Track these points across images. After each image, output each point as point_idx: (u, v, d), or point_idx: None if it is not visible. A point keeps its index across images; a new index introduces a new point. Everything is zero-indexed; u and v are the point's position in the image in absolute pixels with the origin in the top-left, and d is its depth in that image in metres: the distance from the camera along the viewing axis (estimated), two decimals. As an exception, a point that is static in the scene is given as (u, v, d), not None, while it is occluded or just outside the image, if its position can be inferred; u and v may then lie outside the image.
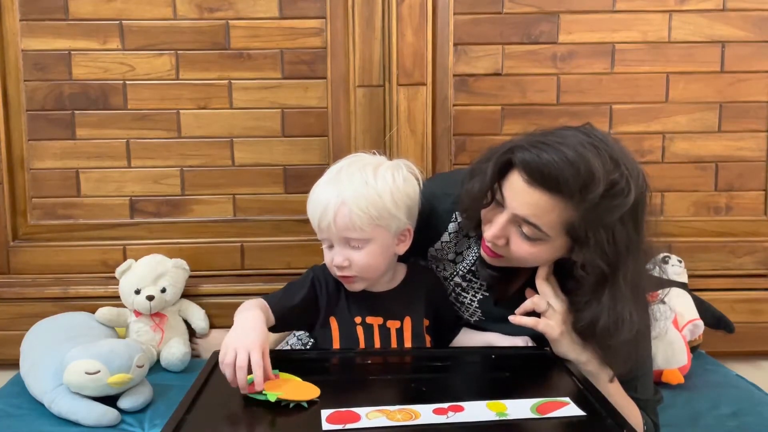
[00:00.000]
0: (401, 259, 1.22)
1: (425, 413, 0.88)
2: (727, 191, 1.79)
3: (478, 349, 1.21)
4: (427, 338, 1.21)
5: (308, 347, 1.40)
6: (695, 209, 1.80)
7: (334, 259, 1.13)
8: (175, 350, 1.62)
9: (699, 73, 1.75)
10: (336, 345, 1.17)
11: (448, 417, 0.87)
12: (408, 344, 1.18)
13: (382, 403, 0.90)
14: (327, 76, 1.74)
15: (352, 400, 0.92)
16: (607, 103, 1.75)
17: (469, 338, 1.25)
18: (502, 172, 1.06)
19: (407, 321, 1.18)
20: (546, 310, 1.11)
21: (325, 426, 0.84)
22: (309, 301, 1.18)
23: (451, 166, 1.76)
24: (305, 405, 0.91)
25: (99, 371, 1.35)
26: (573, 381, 1.03)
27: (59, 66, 1.73)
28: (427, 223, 1.21)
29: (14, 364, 1.57)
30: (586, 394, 0.97)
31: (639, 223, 1.04)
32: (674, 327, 1.58)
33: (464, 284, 1.24)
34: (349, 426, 0.85)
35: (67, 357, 1.38)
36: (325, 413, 0.87)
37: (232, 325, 1.19)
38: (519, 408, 0.90)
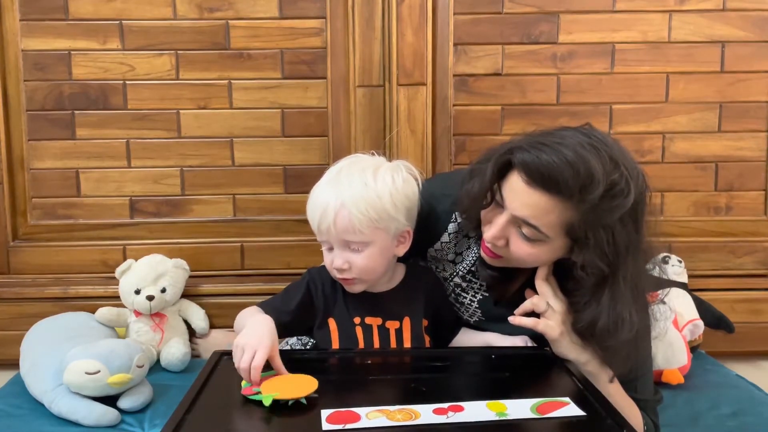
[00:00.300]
0: (400, 259, 1.22)
1: (425, 413, 0.88)
2: (727, 191, 1.79)
3: (478, 349, 1.21)
4: (427, 338, 1.21)
5: (308, 347, 1.40)
6: (695, 209, 1.80)
7: (334, 261, 1.13)
8: (175, 350, 1.62)
9: (699, 73, 1.75)
10: (335, 346, 1.17)
11: (448, 417, 0.87)
12: (407, 344, 1.18)
13: (382, 403, 0.90)
14: (327, 76, 1.74)
15: (352, 400, 0.92)
16: (607, 103, 1.75)
17: (468, 338, 1.26)
18: (501, 172, 1.06)
19: (406, 321, 1.18)
20: (545, 311, 1.11)
21: (325, 426, 0.84)
22: (305, 305, 1.18)
23: (451, 166, 1.76)
24: (304, 402, 0.91)
25: (99, 371, 1.35)
26: (573, 381, 1.03)
27: (59, 66, 1.73)
28: (427, 223, 1.21)
29: (14, 364, 1.57)
30: (586, 394, 0.97)
31: (639, 223, 1.04)
32: (674, 327, 1.58)
33: (464, 284, 1.24)
34: (349, 426, 0.85)
35: (67, 357, 1.38)
36: (325, 413, 0.87)
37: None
38: (519, 408, 0.90)
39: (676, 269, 1.70)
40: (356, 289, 1.16)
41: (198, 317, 1.73)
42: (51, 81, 1.73)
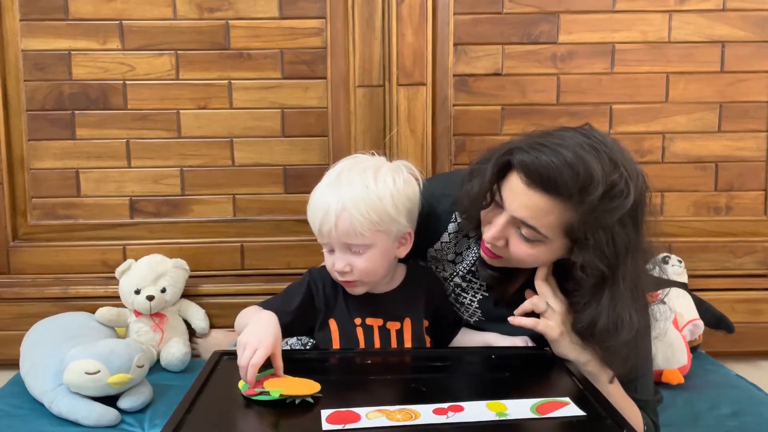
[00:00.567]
0: (401, 259, 1.22)
1: (425, 413, 0.88)
2: (727, 191, 1.79)
3: (478, 349, 1.21)
4: (427, 339, 1.21)
5: (308, 347, 1.40)
6: (695, 209, 1.80)
7: (336, 264, 1.12)
8: (175, 350, 1.62)
9: (699, 73, 1.75)
10: (336, 346, 1.17)
11: (448, 417, 0.87)
12: (408, 345, 1.18)
13: (382, 403, 0.90)
14: (327, 76, 1.74)
15: (352, 400, 0.92)
16: (607, 103, 1.75)
17: (468, 338, 1.25)
18: (501, 173, 1.06)
19: (407, 322, 1.18)
20: (545, 311, 1.11)
21: (325, 426, 0.84)
22: (306, 305, 1.18)
23: (451, 166, 1.76)
24: (311, 400, 0.91)
25: (99, 371, 1.35)
26: (573, 381, 1.03)
27: (59, 66, 1.73)
28: (427, 223, 1.21)
29: (14, 364, 1.57)
30: (586, 394, 0.97)
31: (638, 224, 1.04)
32: (674, 327, 1.58)
33: (464, 284, 1.24)
34: (349, 426, 0.85)
35: (67, 357, 1.38)
36: (325, 413, 0.87)
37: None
38: (519, 408, 0.90)
39: (676, 269, 1.70)
40: (358, 291, 1.16)
41: (198, 317, 1.73)
42: (51, 81, 1.73)
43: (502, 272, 1.17)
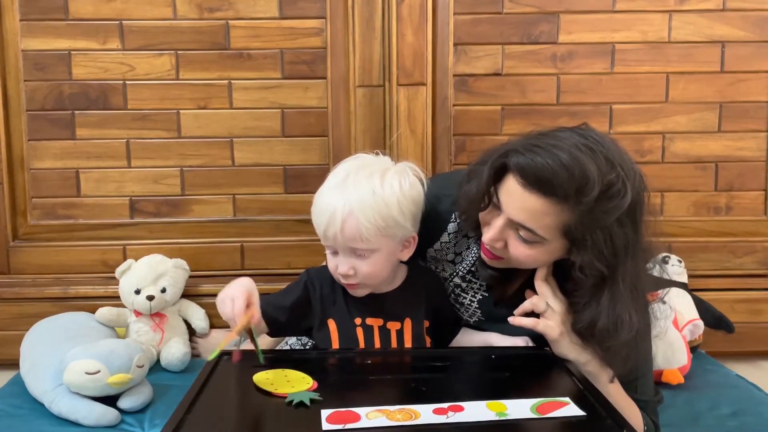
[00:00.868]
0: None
1: (425, 413, 0.88)
2: (727, 191, 1.79)
3: (478, 349, 1.21)
4: (427, 339, 1.21)
5: (308, 347, 1.40)
6: (695, 209, 1.80)
7: (339, 267, 1.12)
8: (175, 350, 1.62)
9: (699, 73, 1.75)
10: (335, 346, 1.17)
11: (448, 417, 0.87)
12: (408, 345, 1.18)
13: (382, 403, 0.90)
14: (327, 76, 1.74)
15: (352, 400, 0.92)
16: (607, 103, 1.75)
17: (469, 338, 1.25)
18: (497, 175, 1.06)
19: (407, 322, 1.18)
20: (545, 311, 1.11)
21: (325, 426, 0.84)
22: (301, 304, 1.18)
23: (451, 166, 1.76)
24: (307, 403, 0.91)
25: (99, 371, 1.35)
26: (573, 381, 1.03)
27: (59, 66, 1.73)
28: (427, 223, 1.21)
29: (14, 364, 1.57)
30: (586, 394, 0.97)
31: (637, 223, 1.04)
32: (674, 327, 1.58)
33: (464, 285, 1.24)
34: (349, 426, 0.84)
35: (67, 357, 1.38)
36: (325, 413, 0.87)
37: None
38: (519, 408, 0.90)
39: (676, 269, 1.70)
40: (360, 293, 1.16)
41: (198, 317, 1.73)
42: (51, 81, 1.73)
43: (502, 272, 1.17)
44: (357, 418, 0.86)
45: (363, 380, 1.05)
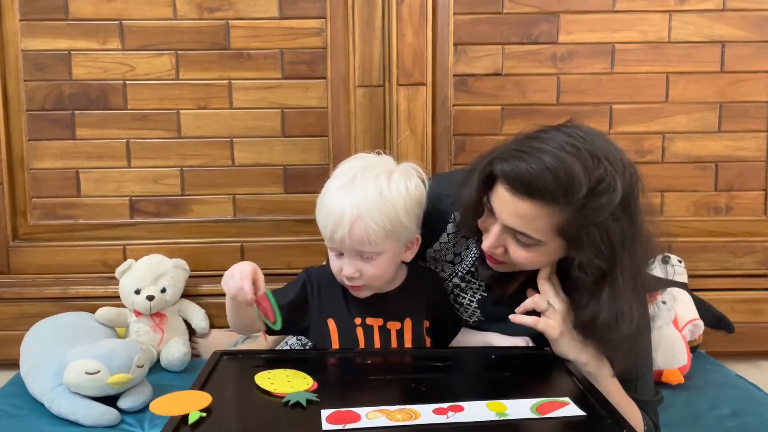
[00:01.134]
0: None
1: (425, 413, 0.88)
2: (727, 191, 1.79)
3: (478, 349, 1.21)
4: (427, 339, 1.21)
5: (308, 347, 1.40)
6: (695, 209, 1.80)
7: (345, 269, 1.11)
8: (175, 350, 1.62)
9: (699, 73, 1.75)
10: (335, 346, 1.17)
11: (448, 417, 0.87)
12: (408, 346, 1.18)
13: (382, 403, 0.90)
14: (327, 76, 1.74)
15: (352, 400, 0.92)
16: (607, 103, 1.75)
17: (469, 338, 1.25)
18: (487, 183, 1.06)
19: (407, 322, 1.18)
20: (546, 310, 1.11)
21: (325, 426, 0.84)
22: (299, 303, 1.17)
23: (451, 166, 1.76)
24: (303, 404, 0.91)
25: (99, 371, 1.35)
26: (573, 381, 1.03)
27: (59, 66, 1.73)
28: (427, 224, 1.21)
29: (14, 364, 1.57)
30: (586, 394, 0.97)
31: (632, 216, 1.03)
32: (674, 327, 1.58)
33: (463, 285, 1.24)
34: (349, 426, 0.84)
35: (67, 357, 1.38)
36: (325, 413, 0.87)
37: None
38: (519, 408, 0.90)
39: (676, 269, 1.70)
40: (363, 294, 1.16)
41: (198, 317, 1.73)
42: (51, 81, 1.73)
43: (502, 272, 1.17)
44: (357, 418, 0.86)
45: (363, 380, 1.05)
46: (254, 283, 1.03)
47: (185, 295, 1.74)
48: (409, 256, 1.18)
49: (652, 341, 1.21)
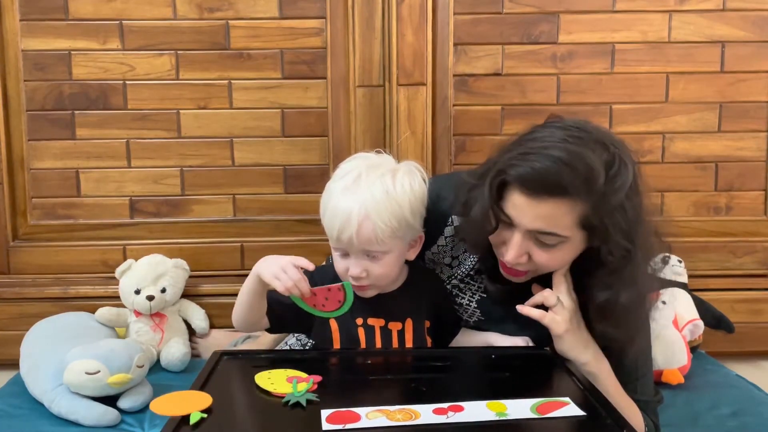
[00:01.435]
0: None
1: (425, 413, 0.88)
2: (727, 191, 1.79)
3: (478, 349, 1.21)
4: (428, 340, 1.21)
5: (308, 347, 1.40)
6: (695, 209, 1.80)
7: (351, 270, 1.11)
8: (175, 350, 1.62)
9: (699, 73, 1.75)
10: (336, 346, 1.17)
11: (448, 417, 0.87)
12: (409, 346, 1.17)
13: (382, 403, 0.90)
14: (327, 76, 1.74)
15: (352, 400, 0.92)
16: (607, 103, 1.75)
17: (468, 338, 1.25)
18: (498, 194, 1.05)
19: (408, 323, 1.18)
20: (555, 305, 1.10)
21: (325, 426, 0.84)
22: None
23: (451, 166, 1.76)
24: (303, 404, 0.91)
25: (99, 371, 1.35)
26: (573, 381, 1.03)
27: (59, 66, 1.73)
28: (426, 225, 1.21)
29: (14, 364, 1.57)
30: (586, 394, 0.97)
31: (639, 190, 1.04)
32: (674, 327, 1.58)
33: (462, 285, 1.24)
34: (349, 426, 0.84)
35: (67, 357, 1.38)
36: (325, 413, 0.87)
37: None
38: (519, 408, 0.90)
39: (676, 269, 1.70)
40: (369, 294, 1.15)
41: (198, 317, 1.73)
42: (51, 81, 1.73)
43: (513, 286, 1.16)
44: (357, 418, 0.86)
45: (363, 380, 1.05)
46: None
47: (185, 295, 1.74)
48: (412, 255, 1.18)
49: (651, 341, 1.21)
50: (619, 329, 1.09)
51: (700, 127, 1.77)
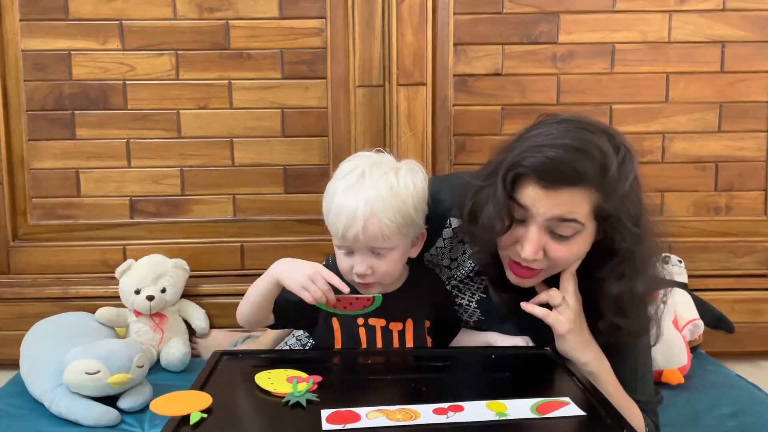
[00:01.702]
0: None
1: (425, 413, 0.88)
2: (727, 191, 1.79)
3: (478, 349, 1.21)
4: (428, 340, 1.21)
5: (308, 347, 1.40)
6: (695, 209, 1.80)
7: (356, 267, 1.10)
8: (175, 350, 1.62)
9: (699, 73, 1.75)
10: (338, 346, 1.17)
11: (448, 417, 0.87)
12: (409, 346, 1.17)
13: (382, 403, 0.90)
14: (327, 76, 1.74)
15: (352, 400, 0.92)
16: (607, 103, 1.76)
17: (468, 338, 1.25)
18: (512, 189, 1.03)
19: (409, 323, 1.18)
20: (560, 305, 1.10)
21: (325, 426, 0.84)
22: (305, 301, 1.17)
23: (451, 166, 1.76)
24: (303, 404, 0.91)
25: (99, 371, 1.35)
26: (573, 381, 1.03)
27: (59, 66, 1.73)
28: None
29: (14, 364, 1.57)
30: (586, 394, 0.97)
31: (638, 177, 1.04)
32: (674, 327, 1.58)
33: (461, 286, 1.24)
34: (349, 426, 0.84)
35: (67, 357, 1.38)
36: (325, 413, 0.87)
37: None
38: (519, 408, 0.90)
39: (676, 269, 1.70)
40: (373, 292, 1.15)
41: (198, 317, 1.73)
42: (51, 81, 1.74)
43: (517, 294, 1.16)
44: (357, 418, 0.86)
45: (363, 380, 1.05)
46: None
47: (185, 295, 1.74)
48: (415, 252, 1.18)
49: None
50: (632, 320, 1.09)
51: (700, 127, 1.77)
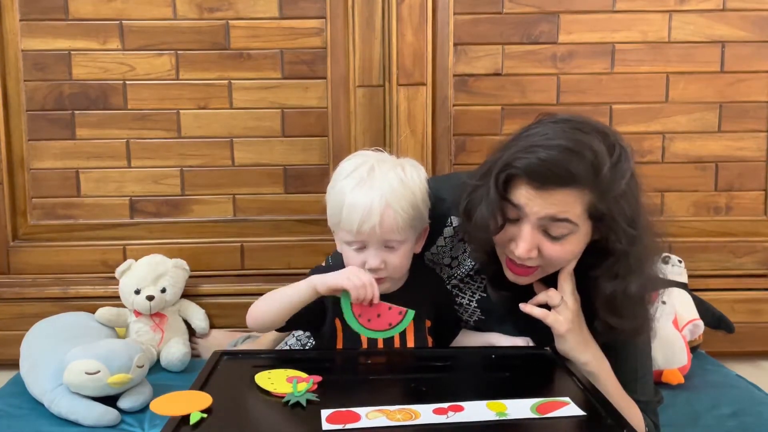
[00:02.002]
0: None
1: (425, 413, 0.88)
2: (727, 191, 1.79)
3: (478, 349, 1.21)
4: (429, 340, 1.21)
5: (308, 347, 1.40)
6: (695, 209, 1.80)
7: (370, 262, 1.10)
8: (175, 350, 1.62)
9: (699, 73, 1.75)
10: (339, 346, 1.17)
11: (448, 417, 0.87)
12: (411, 346, 1.17)
13: (382, 403, 0.90)
14: (327, 76, 1.74)
15: (352, 400, 0.92)
16: (607, 103, 1.76)
17: (469, 339, 1.25)
18: (504, 189, 1.04)
19: (410, 323, 1.18)
20: (559, 305, 1.10)
21: (325, 426, 0.84)
22: (317, 302, 1.17)
23: (451, 166, 1.76)
24: (303, 404, 0.91)
25: (99, 371, 1.35)
26: (573, 381, 1.03)
27: (59, 66, 1.73)
28: None
29: (14, 364, 1.57)
30: (586, 394, 0.97)
31: (635, 174, 1.04)
32: (674, 327, 1.58)
33: (461, 285, 1.24)
34: (349, 426, 0.84)
35: (67, 357, 1.38)
36: (325, 413, 0.87)
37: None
38: (519, 408, 0.90)
39: (676, 269, 1.70)
40: (384, 288, 1.15)
41: (198, 317, 1.73)
42: (51, 81, 1.74)
43: (516, 292, 1.16)
44: (357, 418, 0.86)
45: (363, 380, 1.05)
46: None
47: (185, 295, 1.74)
48: (418, 247, 1.18)
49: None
50: (626, 320, 1.09)
51: (700, 127, 1.77)
